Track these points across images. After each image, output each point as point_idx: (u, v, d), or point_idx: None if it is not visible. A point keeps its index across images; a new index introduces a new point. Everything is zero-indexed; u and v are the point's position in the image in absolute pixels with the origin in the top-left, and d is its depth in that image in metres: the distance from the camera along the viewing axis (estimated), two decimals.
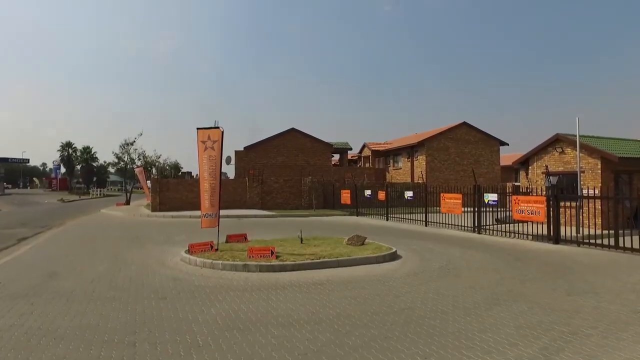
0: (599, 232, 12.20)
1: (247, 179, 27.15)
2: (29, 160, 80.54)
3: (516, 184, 35.39)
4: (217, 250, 9.17)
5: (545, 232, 12.23)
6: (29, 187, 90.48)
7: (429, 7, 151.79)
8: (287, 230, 14.75)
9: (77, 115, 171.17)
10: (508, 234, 13.45)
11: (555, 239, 11.86)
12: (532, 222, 12.76)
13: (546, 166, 17.40)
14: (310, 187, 26.60)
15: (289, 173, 30.05)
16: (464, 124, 34.21)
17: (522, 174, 21.31)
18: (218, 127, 9.03)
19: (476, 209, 14.72)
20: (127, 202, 32.70)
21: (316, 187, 26.79)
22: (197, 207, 23.65)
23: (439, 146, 33.03)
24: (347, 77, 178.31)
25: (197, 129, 9.30)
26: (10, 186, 74.38)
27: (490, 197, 14.56)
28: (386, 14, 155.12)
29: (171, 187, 25.55)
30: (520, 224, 13.36)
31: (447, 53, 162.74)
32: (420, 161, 33.20)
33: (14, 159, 70.94)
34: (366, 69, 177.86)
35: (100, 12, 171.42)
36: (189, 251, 9.09)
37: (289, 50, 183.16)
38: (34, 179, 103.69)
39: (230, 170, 35.28)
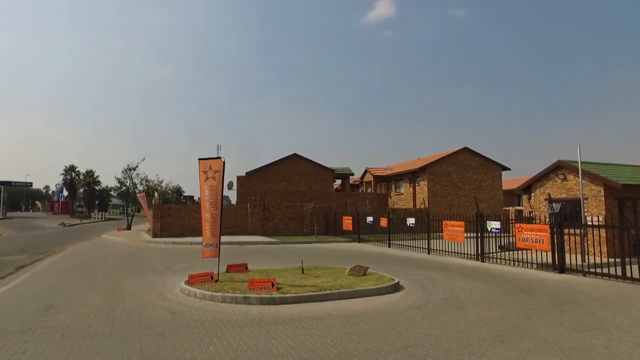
0: (605, 260, 12.03)
1: (248, 204, 27.10)
2: (32, 183, 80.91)
3: (519, 208, 35.24)
4: (217, 281, 9.05)
5: (550, 260, 12.06)
6: (31, 210, 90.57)
7: (430, 33, 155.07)
8: (289, 258, 14.61)
9: (80, 140, 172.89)
10: (512, 262, 13.27)
11: (561, 267, 11.69)
12: (537, 250, 12.61)
13: (549, 193, 17.32)
14: (312, 213, 26.49)
15: (291, 199, 30.01)
16: (466, 149, 34.36)
17: (524, 198, 21.19)
18: (219, 158, 9.07)
19: (479, 237, 14.60)
20: (128, 227, 32.58)
21: (318, 213, 26.68)
22: (198, 233, 23.56)
23: (440, 171, 33.06)
24: (348, 102, 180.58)
25: (199, 159, 9.34)
26: (12, 210, 74.38)
27: (493, 224, 14.43)
28: (386, 39, 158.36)
29: (172, 213, 25.49)
30: (525, 252, 13.20)
31: (448, 78, 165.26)
32: (422, 186, 33.16)
33: (17, 182, 71.26)
34: (367, 94, 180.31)
35: (103, 42, 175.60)
36: (188, 282, 8.96)
37: (289, 77, 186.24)
38: (37, 202, 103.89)
39: (232, 195, 35.26)
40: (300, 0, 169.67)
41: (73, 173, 71.23)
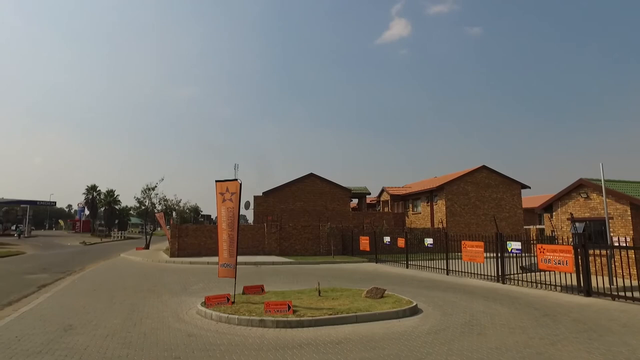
0: (635, 283, 11.52)
1: (265, 225, 27.17)
2: (55, 203, 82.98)
3: (540, 227, 34.37)
4: (233, 302, 9.01)
5: (574, 282, 11.64)
6: (54, 229, 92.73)
7: (446, 51, 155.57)
8: (305, 279, 14.50)
9: (101, 160, 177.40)
10: (534, 284, 12.86)
11: (587, 291, 11.26)
12: (560, 272, 12.20)
13: (571, 213, 16.86)
14: (328, 233, 26.36)
15: (307, 219, 29.97)
16: (484, 167, 33.91)
17: (545, 217, 20.67)
18: (236, 180, 9.17)
19: (499, 258, 14.24)
20: (147, 247, 32.97)
21: (335, 233, 26.53)
22: (215, 252, 23.65)
23: (458, 190, 32.63)
24: (364, 121, 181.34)
25: (216, 181, 9.46)
26: (34, 228, 76.27)
27: (514, 245, 14.08)
28: (402, 58, 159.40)
29: (190, 233, 25.71)
30: (547, 273, 12.79)
31: (465, 96, 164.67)
32: (440, 206, 32.74)
33: (42, 201, 73.24)
34: (383, 113, 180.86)
35: (124, 63, 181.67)
36: (205, 303, 8.95)
37: (306, 97, 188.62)
38: (60, 220, 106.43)
39: (249, 214, 35.49)
40: (318, 21, 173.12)
41: (94, 192, 72.88)
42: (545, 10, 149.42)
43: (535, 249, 12.95)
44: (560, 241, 13.98)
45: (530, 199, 39.26)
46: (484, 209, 32.76)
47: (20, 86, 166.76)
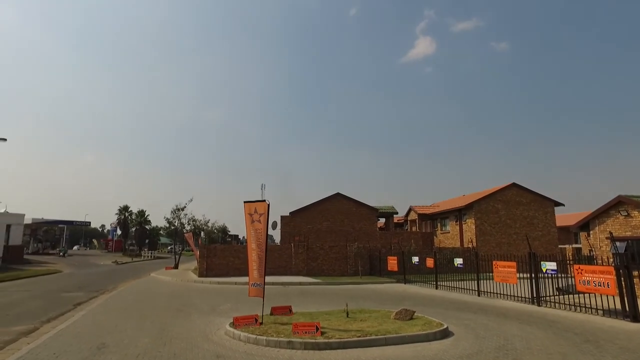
0: None
1: (292, 245, 27.22)
2: (90, 223, 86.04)
3: (576, 246, 32.92)
4: (261, 323, 9.02)
5: (618, 306, 11.01)
6: (88, 248, 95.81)
7: (472, 68, 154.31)
8: (333, 300, 14.37)
9: (134, 181, 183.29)
10: (573, 307, 12.25)
11: (633, 315, 10.57)
12: (601, 294, 11.57)
13: (610, 232, 16.13)
14: (356, 253, 26.12)
15: (335, 239, 29.84)
16: (514, 185, 33.07)
17: (582, 236, 19.82)
18: (264, 201, 9.30)
19: (533, 278, 13.69)
20: (176, 266, 33.54)
21: (362, 253, 26.26)
22: (243, 273, 23.77)
23: (488, 209, 31.85)
24: (390, 140, 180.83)
25: (244, 202, 9.63)
26: (72, 247, 79.08)
27: (549, 265, 13.52)
28: (428, 76, 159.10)
29: (218, 253, 26.03)
30: (587, 296, 12.17)
31: (494, 112, 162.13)
32: (469, 224, 31.98)
33: (78, 221, 76.06)
34: (410, 131, 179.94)
35: (158, 86, 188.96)
36: (233, 324, 8.99)
37: (332, 115, 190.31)
38: (94, 240, 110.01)
39: (276, 234, 35.70)
40: (343, 42, 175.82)
41: (126, 213, 75.14)
42: (570, 21, 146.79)
43: (572, 269, 12.39)
44: (600, 261, 13.35)
45: (565, 216, 37.81)
46: (515, 227, 31.78)
47: (63, 110, 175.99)
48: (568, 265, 13.47)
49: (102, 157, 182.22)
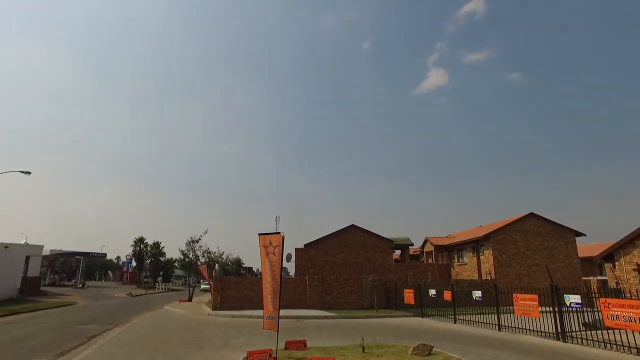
0: None
1: (307, 277, 26.90)
2: (106, 254, 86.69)
3: (601, 278, 31.74)
4: (275, 358, 8.83)
5: None
6: (103, 280, 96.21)
7: (486, 98, 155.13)
8: (349, 334, 14.02)
9: (150, 213, 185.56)
10: (602, 343, 11.63)
11: None
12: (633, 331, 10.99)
13: (637, 263, 15.57)
14: (371, 286, 25.62)
15: (350, 271, 29.44)
16: (532, 214, 32.44)
17: (607, 267, 19.13)
18: (279, 233, 9.32)
19: (557, 312, 13.17)
20: (190, 299, 33.33)
21: (378, 286, 25.75)
22: (257, 306, 23.48)
23: (505, 239, 31.17)
24: (404, 170, 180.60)
25: (259, 234, 9.66)
26: (87, 279, 79.59)
27: (573, 299, 13.02)
28: (442, 107, 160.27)
29: (232, 286, 25.83)
30: (617, 332, 11.56)
31: (508, 141, 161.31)
32: (487, 256, 31.25)
33: (94, 253, 76.79)
34: (424, 161, 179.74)
35: (171, 119, 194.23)
36: (247, 359, 8.82)
37: (346, 147, 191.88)
38: (109, 272, 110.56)
39: (291, 266, 35.43)
40: (357, 74, 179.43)
41: (142, 245, 75.70)
42: (582, 50, 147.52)
43: (598, 303, 11.86)
44: (628, 295, 12.80)
45: (587, 247, 36.72)
46: (535, 259, 30.92)
47: (84, 143, 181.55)
48: (594, 299, 12.92)
49: (120, 189, 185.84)
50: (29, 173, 26.25)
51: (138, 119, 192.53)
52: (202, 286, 49.25)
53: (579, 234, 32.50)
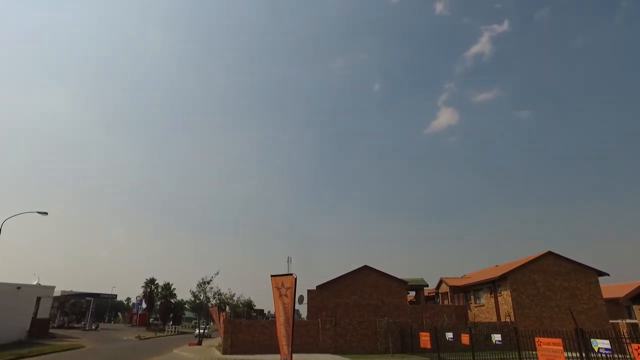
0: None
1: (319, 320, 26.21)
2: (116, 296, 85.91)
3: (630, 321, 30.23)
4: None
5: None
6: (112, 322, 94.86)
7: (496, 136, 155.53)
8: None
9: (160, 253, 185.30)
10: None
11: None
12: None
13: None
14: (386, 329, 24.79)
15: (363, 313, 28.65)
16: (550, 253, 31.53)
17: (636, 308, 18.22)
18: (291, 274, 9.21)
19: (584, 359, 12.48)
20: (199, 342, 32.56)
21: (392, 329, 24.90)
22: (269, 350, 22.85)
23: (524, 279, 30.19)
24: (417, 209, 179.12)
25: (272, 276, 9.56)
26: (97, 320, 78.62)
27: (601, 344, 12.36)
28: (452, 145, 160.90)
29: (243, 329, 25.22)
30: None
31: (521, 179, 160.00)
32: (505, 297, 30.21)
33: (104, 294, 76.25)
34: (436, 201, 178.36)
35: (182, 160, 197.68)
36: None
37: (359, 187, 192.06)
38: (118, 313, 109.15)
39: (303, 308, 34.64)
40: (368, 114, 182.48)
41: (152, 286, 75.11)
42: (593, 88, 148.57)
43: (630, 349, 11.21)
44: None
45: (612, 287, 35.28)
46: (556, 300, 29.75)
47: (97, 185, 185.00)
48: (625, 344, 12.22)
49: (131, 229, 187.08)
50: (46, 214, 26.72)
51: (149, 160, 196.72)
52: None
53: (602, 274, 31.31)
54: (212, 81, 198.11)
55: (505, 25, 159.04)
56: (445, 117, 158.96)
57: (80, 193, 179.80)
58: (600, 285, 31.04)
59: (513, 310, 29.03)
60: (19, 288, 34.10)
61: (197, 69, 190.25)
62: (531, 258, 31.64)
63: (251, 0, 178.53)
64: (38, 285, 41.91)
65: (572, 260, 31.37)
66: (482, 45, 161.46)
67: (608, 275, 31.61)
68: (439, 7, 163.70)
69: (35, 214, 26.63)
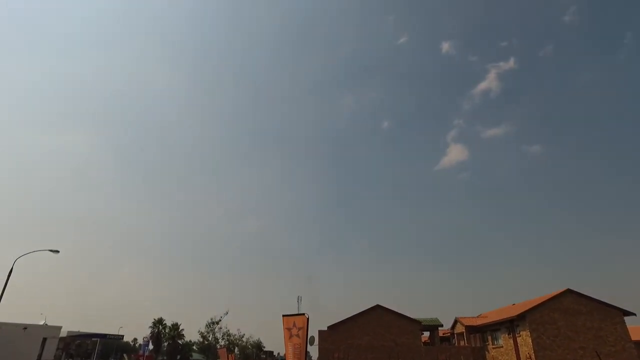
0: None
1: None
2: (123, 336, 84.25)
3: None
4: None
5: None
6: None
7: (508, 171, 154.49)
8: None
9: (169, 292, 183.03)
10: None
11: None
12: None
13: None
14: None
15: (376, 355, 27.58)
16: (569, 291, 30.39)
17: None
18: (303, 314, 8.95)
19: None
20: None
21: None
22: None
23: (543, 319, 28.96)
24: (429, 247, 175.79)
25: (283, 316, 9.29)
26: None
27: None
28: (463, 182, 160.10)
29: None
30: None
31: (532, 215, 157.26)
32: (525, 337, 28.90)
33: (111, 335, 74.80)
34: (448, 239, 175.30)
35: (188, 200, 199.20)
36: None
37: (365, 226, 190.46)
38: (124, 355, 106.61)
39: (313, 349, 33.50)
40: (377, 152, 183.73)
41: (160, 326, 73.63)
42: (602, 121, 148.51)
43: None
44: None
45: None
46: (579, 341, 28.33)
47: (105, 223, 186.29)
48: None
49: (140, 268, 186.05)
50: (58, 252, 26.76)
51: (159, 200, 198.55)
52: None
53: (628, 313, 29.87)
54: (219, 120, 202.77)
55: (511, 62, 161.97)
56: (455, 154, 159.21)
57: (86, 232, 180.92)
58: (628, 327, 29.56)
59: (534, 352, 27.68)
60: (25, 328, 33.68)
61: (202, 109, 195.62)
62: (549, 296, 30.50)
63: (259, 40, 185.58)
64: (45, 326, 41.38)
65: (593, 298, 30.16)
66: (489, 82, 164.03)
67: (634, 315, 30.15)
68: (445, 47, 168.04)
69: (47, 252, 26.69)
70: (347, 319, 31.02)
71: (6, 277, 24.14)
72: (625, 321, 29.59)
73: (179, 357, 71.70)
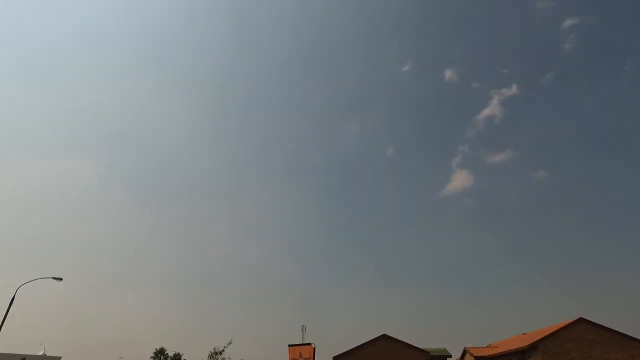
0: None
1: None
2: None
3: None
4: None
5: None
6: None
7: (514, 196, 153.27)
8: None
9: (171, 321, 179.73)
10: None
11: None
12: None
13: None
14: None
15: None
16: (581, 320, 29.47)
17: None
18: (310, 344, 8.69)
19: None
20: None
21: None
22: None
23: (556, 349, 28.04)
24: (435, 275, 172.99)
25: (289, 345, 9.03)
26: None
27: None
28: (469, 208, 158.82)
29: None
30: None
31: (540, 241, 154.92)
32: None
33: None
34: (455, 266, 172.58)
35: (192, 225, 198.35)
36: None
37: (370, 254, 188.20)
38: None
39: None
40: (381, 179, 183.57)
41: (162, 356, 71.83)
42: (609, 145, 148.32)
43: None
44: None
45: None
46: None
47: (105, 249, 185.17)
48: None
49: (141, 296, 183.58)
50: (61, 279, 26.50)
51: (160, 228, 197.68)
52: None
53: None
54: (222, 148, 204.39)
55: (513, 89, 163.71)
56: (460, 180, 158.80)
57: (87, 259, 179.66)
58: None
59: None
60: (23, 359, 32.99)
61: (208, 136, 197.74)
62: (561, 325, 29.62)
63: (262, 70, 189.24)
64: (44, 356, 40.51)
65: (607, 327, 29.21)
66: (493, 108, 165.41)
67: None
68: (448, 74, 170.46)
69: (50, 279, 26.44)
70: (353, 348, 30.16)
71: (7, 305, 23.84)
72: None
73: None
